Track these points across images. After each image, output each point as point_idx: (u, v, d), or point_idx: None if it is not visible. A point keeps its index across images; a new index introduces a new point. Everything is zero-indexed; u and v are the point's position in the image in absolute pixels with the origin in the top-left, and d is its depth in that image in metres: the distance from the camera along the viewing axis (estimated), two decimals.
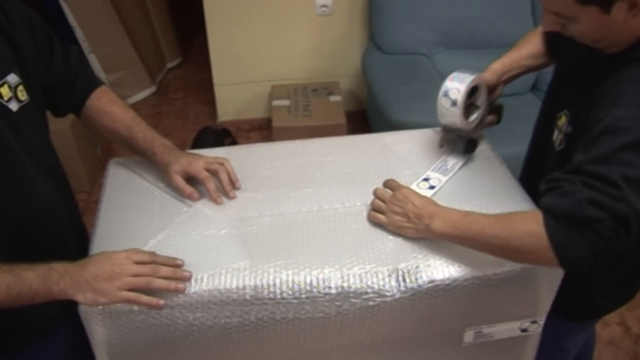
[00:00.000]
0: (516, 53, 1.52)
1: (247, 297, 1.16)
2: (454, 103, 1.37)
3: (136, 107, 4.00)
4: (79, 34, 3.71)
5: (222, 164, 1.39)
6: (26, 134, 1.19)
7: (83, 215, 1.51)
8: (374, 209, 1.32)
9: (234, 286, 1.16)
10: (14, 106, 1.15)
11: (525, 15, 3.24)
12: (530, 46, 1.51)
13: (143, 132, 1.41)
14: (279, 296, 1.16)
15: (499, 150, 1.55)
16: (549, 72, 3.41)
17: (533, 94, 3.36)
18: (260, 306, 1.16)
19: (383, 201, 1.30)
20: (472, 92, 1.41)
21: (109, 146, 3.51)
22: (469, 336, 1.31)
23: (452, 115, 1.40)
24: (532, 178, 1.42)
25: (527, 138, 2.95)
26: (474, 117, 1.45)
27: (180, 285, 1.15)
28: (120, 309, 1.14)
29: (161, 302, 1.14)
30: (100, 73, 3.88)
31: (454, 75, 1.40)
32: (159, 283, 1.14)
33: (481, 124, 1.49)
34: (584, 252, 1.05)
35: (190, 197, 1.37)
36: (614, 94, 1.10)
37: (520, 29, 3.18)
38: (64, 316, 1.28)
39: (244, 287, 1.16)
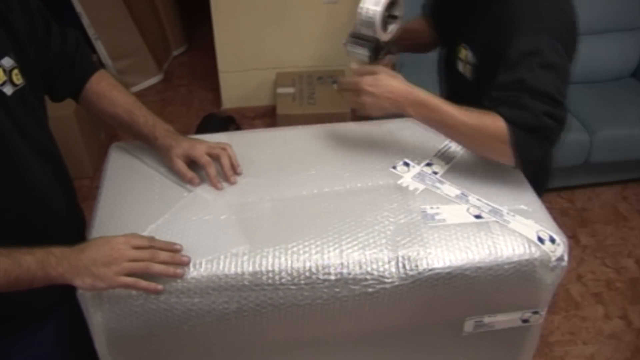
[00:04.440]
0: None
1: (246, 282, 1.15)
2: (374, 13, 1.35)
3: (141, 93, 4.00)
4: (85, 20, 3.71)
5: (224, 149, 1.38)
6: (21, 118, 1.18)
7: (86, 201, 1.50)
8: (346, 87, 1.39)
9: (232, 271, 1.15)
10: (8, 90, 1.14)
11: None
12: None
13: (144, 116, 1.40)
14: (277, 282, 1.16)
15: None
16: None
17: None
18: (259, 292, 1.16)
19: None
20: (392, 3, 1.39)
21: (112, 132, 3.51)
22: (469, 326, 1.31)
23: (370, 24, 1.37)
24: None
25: None
26: (391, 27, 1.42)
27: (179, 270, 1.15)
28: (118, 294, 1.13)
29: (159, 287, 1.14)
30: (107, 60, 3.88)
31: None
32: (157, 268, 1.13)
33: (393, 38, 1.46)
34: (537, 153, 1.30)
35: (190, 181, 1.36)
36: (514, 16, 1.33)
37: None
38: (60, 301, 1.28)
39: (243, 273, 1.15)
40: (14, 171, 1.17)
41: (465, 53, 1.49)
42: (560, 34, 1.32)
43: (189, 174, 1.36)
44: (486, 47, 1.42)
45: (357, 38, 1.40)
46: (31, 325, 1.29)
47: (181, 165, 1.36)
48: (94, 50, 3.79)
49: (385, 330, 1.29)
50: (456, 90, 1.60)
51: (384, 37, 1.40)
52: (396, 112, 1.34)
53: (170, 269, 1.14)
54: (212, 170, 1.36)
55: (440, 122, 1.32)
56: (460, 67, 1.54)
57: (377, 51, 1.43)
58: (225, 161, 1.37)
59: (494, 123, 1.27)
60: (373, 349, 1.33)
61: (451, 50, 1.57)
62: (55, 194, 1.28)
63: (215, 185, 1.36)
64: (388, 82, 1.33)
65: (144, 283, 1.12)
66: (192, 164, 1.38)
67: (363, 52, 1.41)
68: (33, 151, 1.21)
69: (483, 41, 1.44)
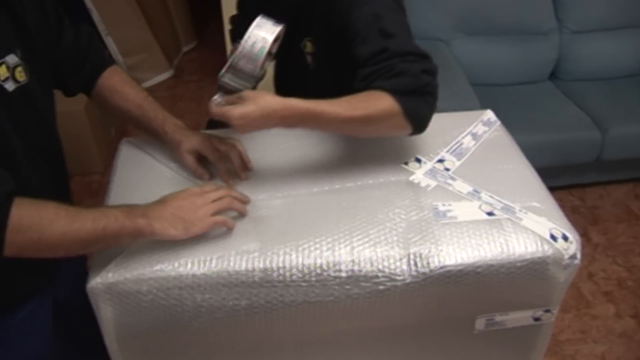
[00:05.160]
0: None
1: (256, 279, 1.15)
2: (260, 51, 1.25)
3: (151, 89, 4.00)
4: (96, 16, 3.72)
5: (234, 145, 1.38)
6: (21, 115, 1.15)
7: (96, 197, 1.51)
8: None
9: (243, 268, 1.15)
10: (10, 86, 1.12)
11: (545, 2, 3.19)
12: None
13: (155, 111, 1.40)
14: (288, 279, 1.15)
15: (516, 138, 1.53)
16: (568, 60, 3.40)
17: (551, 82, 3.32)
18: (269, 288, 1.15)
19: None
20: (275, 40, 1.28)
21: (123, 127, 3.51)
22: (480, 324, 1.30)
23: (254, 63, 1.26)
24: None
25: (544, 126, 2.96)
26: (266, 64, 1.32)
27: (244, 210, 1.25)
28: (127, 289, 1.13)
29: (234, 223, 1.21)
30: (117, 56, 3.88)
31: (260, 21, 1.28)
32: (236, 203, 1.22)
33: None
34: (429, 113, 1.28)
35: (201, 178, 1.36)
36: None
37: (539, 15, 3.19)
38: (42, 285, 1.28)
39: (253, 269, 1.15)
40: (8, 166, 1.13)
41: (310, 45, 1.50)
42: None
43: (199, 170, 1.36)
44: (325, 29, 1.42)
45: (235, 70, 1.30)
46: (27, 299, 1.27)
47: (191, 160, 1.36)
48: (104, 46, 3.80)
49: (396, 328, 1.28)
50: (303, 86, 1.51)
51: (260, 73, 1.31)
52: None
53: (242, 206, 1.24)
54: (222, 166, 1.36)
55: (328, 126, 1.25)
56: (310, 60, 1.53)
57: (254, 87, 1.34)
58: (235, 157, 1.37)
59: (380, 101, 1.22)
60: (384, 346, 1.32)
61: (294, 53, 1.52)
62: (48, 196, 1.25)
63: (225, 182, 1.35)
64: (258, 110, 1.18)
65: (231, 221, 1.19)
66: (203, 159, 1.37)
67: (244, 87, 1.31)
68: (30, 149, 1.18)
69: (322, 24, 1.43)
